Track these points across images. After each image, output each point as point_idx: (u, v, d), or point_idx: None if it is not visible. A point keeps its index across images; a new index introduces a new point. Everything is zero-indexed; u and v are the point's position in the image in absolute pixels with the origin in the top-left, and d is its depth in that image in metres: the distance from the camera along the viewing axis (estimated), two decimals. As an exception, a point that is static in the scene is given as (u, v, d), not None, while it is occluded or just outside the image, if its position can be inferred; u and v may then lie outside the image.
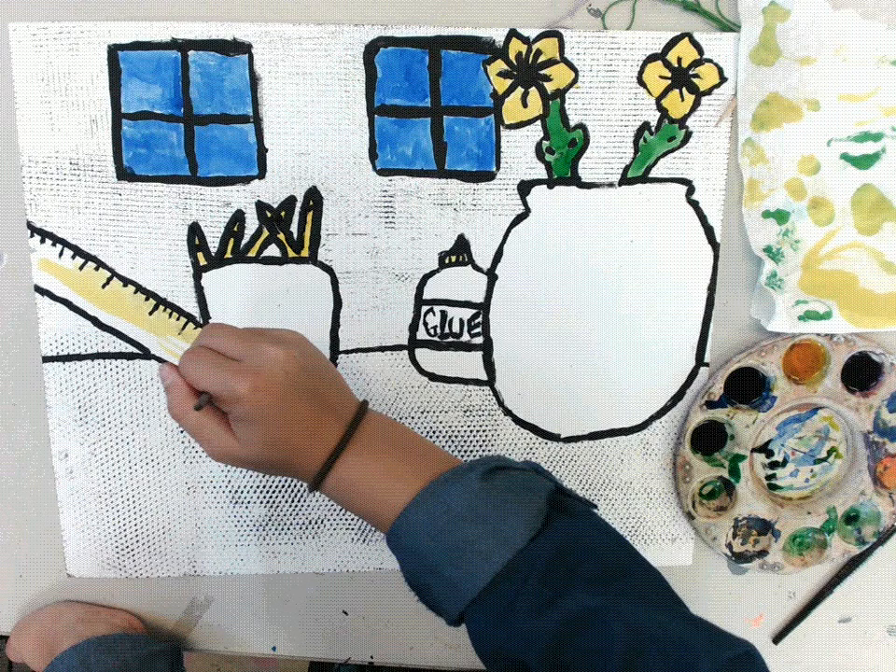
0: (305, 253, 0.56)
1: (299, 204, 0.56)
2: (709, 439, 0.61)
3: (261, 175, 0.55)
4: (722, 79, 0.56)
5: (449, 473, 0.39)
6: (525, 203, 0.57)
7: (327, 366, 0.43)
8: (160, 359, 0.57)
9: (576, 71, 0.55)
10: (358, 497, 0.40)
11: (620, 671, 0.33)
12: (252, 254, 0.56)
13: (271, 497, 0.60)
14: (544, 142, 0.56)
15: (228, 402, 0.39)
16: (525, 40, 0.54)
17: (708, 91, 0.56)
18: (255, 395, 0.38)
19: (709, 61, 0.55)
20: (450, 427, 0.60)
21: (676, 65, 0.55)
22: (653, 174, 0.57)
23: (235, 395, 0.39)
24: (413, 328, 0.58)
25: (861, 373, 0.61)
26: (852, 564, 0.65)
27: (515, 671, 0.38)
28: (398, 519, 0.38)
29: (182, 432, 0.58)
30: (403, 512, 0.38)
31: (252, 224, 0.56)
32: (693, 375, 0.60)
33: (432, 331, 0.58)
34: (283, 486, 0.60)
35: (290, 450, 0.40)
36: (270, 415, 0.39)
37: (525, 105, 0.55)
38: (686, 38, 0.55)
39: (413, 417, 0.60)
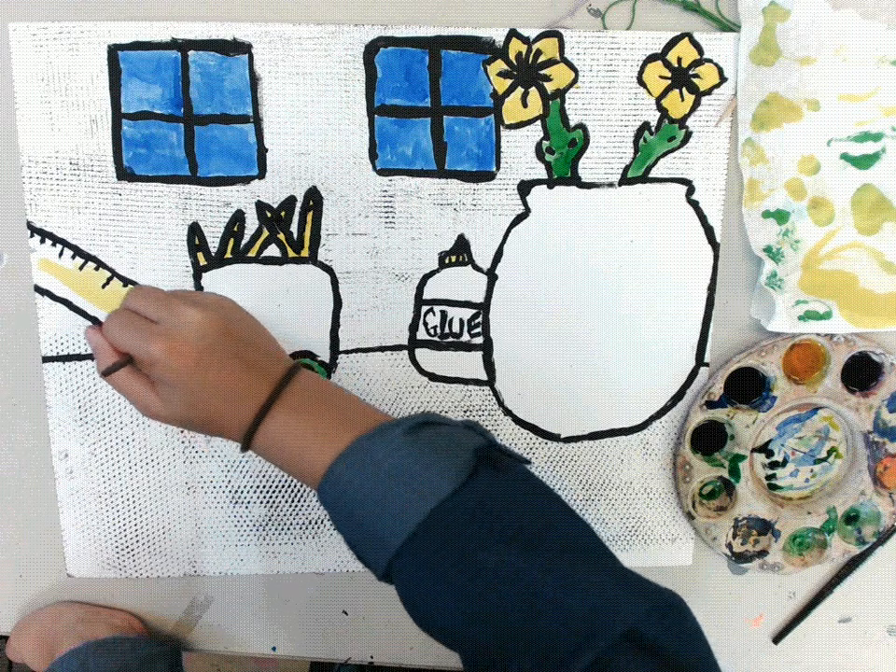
0: (305, 253, 0.56)
1: (299, 204, 0.56)
2: (709, 439, 0.61)
3: (261, 175, 0.55)
4: (722, 79, 0.56)
5: (376, 429, 0.39)
6: (525, 203, 0.57)
7: (253, 328, 0.44)
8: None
9: (576, 71, 0.55)
10: (287, 456, 0.40)
11: (532, 625, 0.33)
12: (252, 254, 0.56)
13: (271, 496, 0.60)
14: (544, 142, 0.56)
15: (145, 364, 0.40)
16: (525, 40, 0.54)
17: (708, 91, 0.56)
18: (169, 357, 0.39)
19: (709, 61, 0.55)
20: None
21: (676, 65, 0.55)
22: (653, 174, 0.57)
23: (150, 357, 0.39)
24: (413, 328, 0.58)
25: (861, 373, 0.61)
26: (852, 564, 0.65)
27: (441, 631, 0.37)
28: (324, 475, 0.38)
29: (182, 431, 0.58)
30: (329, 469, 0.38)
31: (252, 224, 0.56)
32: (693, 375, 0.60)
33: (432, 331, 0.58)
34: (283, 486, 0.60)
35: (212, 411, 0.40)
36: (186, 378, 0.39)
37: (525, 105, 0.55)
38: (686, 38, 0.55)
39: (413, 417, 0.60)
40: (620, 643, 0.31)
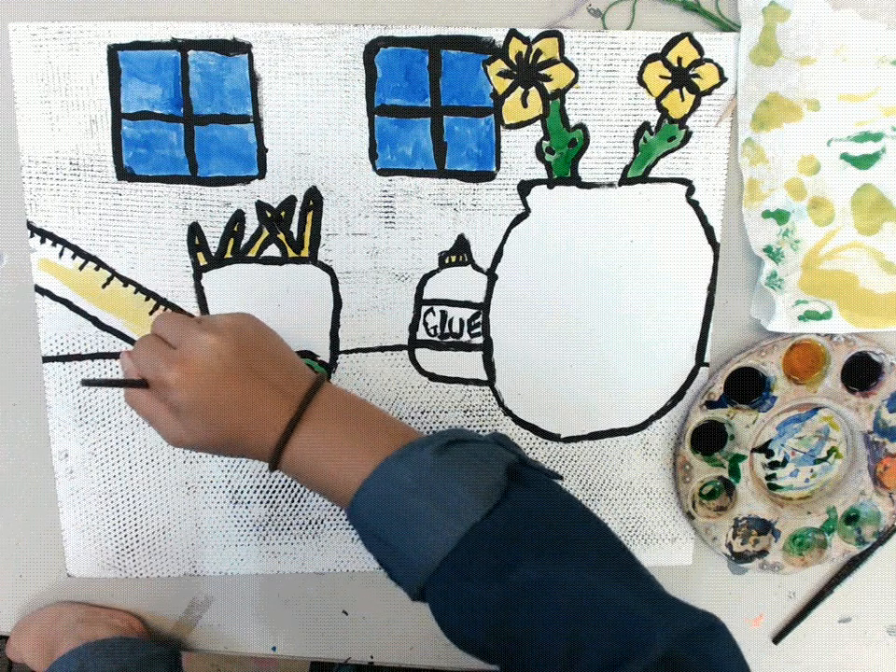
0: (305, 253, 0.56)
1: (299, 204, 0.56)
2: (709, 439, 0.61)
3: (261, 175, 0.55)
4: (722, 79, 0.56)
5: (404, 448, 0.38)
6: (525, 203, 0.57)
7: (272, 345, 0.43)
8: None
9: (576, 71, 0.55)
10: (316, 475, 0.40)
11: (565, 644, 0.33)
12: (252, 254, 0.56)
13: (271, 497, 0.60)
14: (544, 142, 0.56)
15: (160, 391, 0.40)
16: (525, 40, 0.54)
17: (708, 91, 0.56)
18: (183, 383, 0.39)
19: (709, 61, 0.55)
20: (450, 427, 0.60)
21: (676, 65, 0.55)
22: (653, 174, 0.57)
23: (165, 383, 0.39)
24: (413, 328, 0.58)
25: (861, 373, 0.61)
26: (852, 564, 0.65)
27: (477, 648, 0.37)
28: (354, 496, 0.38)
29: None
30: (359, 489, 0.38)
31: (252, 224, 0.56)
32: (693, 375, 0.60)
33: (432, 331, 0.58)
34: (283, 486, 0.60)
35: (235, 432, 0.40)
36: (202, 400, 0.39)
37: (525, 105, 0.55)
38: (686, 38, 0.55)
39: (413, 417, 0.60)
40: (656, 666, 0.31)
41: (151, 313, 0.56)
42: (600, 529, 0.39)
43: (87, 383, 0.41)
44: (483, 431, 0.60)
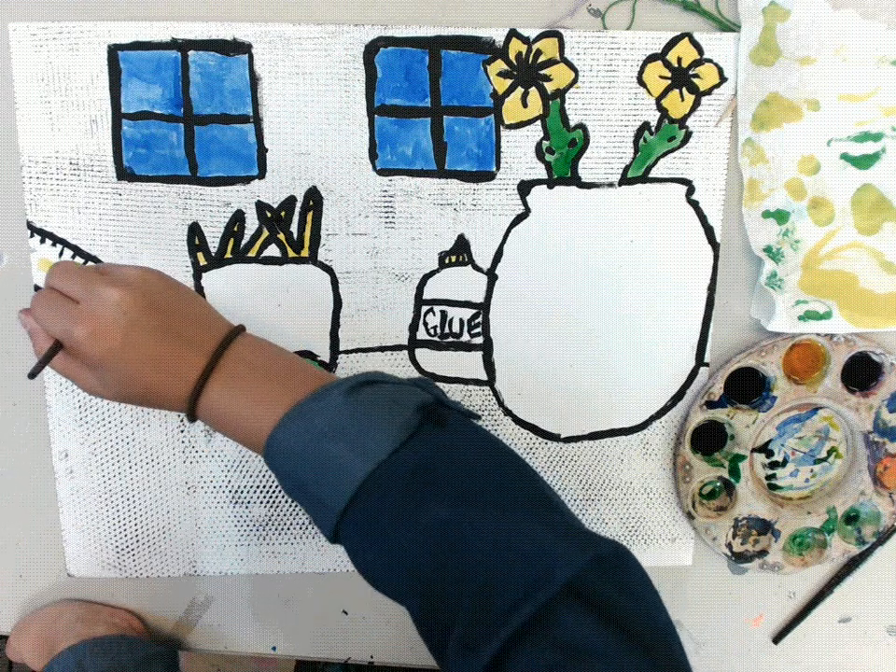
0: (305, 253, 0.56)
1: (299, 204, 0.56)
2: (709, 439, 0.61)
3: (261, 175, 0.55)
4: (722, 79, 0.56)
5: (317, 391, 0.38)
6: (525, 203, 0.57)
7: (183, 299, 0.42)
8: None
9: (576, 71, 0.55)
10: (231, 426, 0.40)
11: (473, 583, 0.32)
12: (252, 254, 0.56)
13: (271, 496, 0.60)
14: (544, 142, 0.56)
15: (71, 348, 0.39)
16: (525, 40, 0.54)
17: (708, 91, 0.56)
18: (93, 339, 0.38)
19: (709, 61, 0.55)
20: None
21: (676, 65, 0.55)
22: (653, 174, 0.57)
23: (75, 340, 0.38)
24: (413, 328, 0.58)
25: (861, 373, 0.61)
26: (852, 564, 0.65)
27: (392, 589, 0.37)
28: (267, 440, 0.38)
29: (182, 431, 0.58)
30: (270, 436, 0.38)
31: (252, 224, 0.56)
32: (693, 375, 0.60)
33: (432, 331, 0.58)
34: (283, 486, 0.60)
35: (148, 386, 0.39)
36: (113, 357, 0.38)
37: (525, 105, 0.55)
38: (686, 38, 0.55)
39: (412, 417, 0.60)
40: (561, 595, 0.31)
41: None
42: (514, 467, 0.38)
43: (32, 374, 0.40)
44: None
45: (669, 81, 0.55)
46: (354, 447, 0.36)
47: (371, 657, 0.64)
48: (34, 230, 0.55)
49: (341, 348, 0.58)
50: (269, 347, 0.42)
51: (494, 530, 0.33)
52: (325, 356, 0.58)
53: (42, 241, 0.55)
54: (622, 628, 0.30)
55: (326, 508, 0.37)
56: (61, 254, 0.55)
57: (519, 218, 0.57)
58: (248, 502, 0.60)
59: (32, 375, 0.40)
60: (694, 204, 0.58)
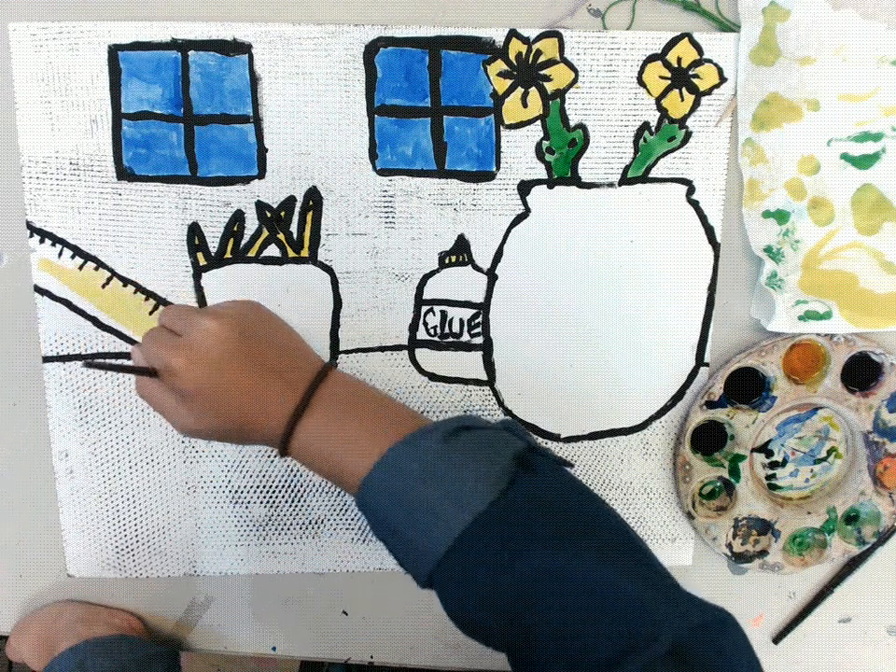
0: (305, 253, 0.56)
1: (299, 204, 0.56)
2: (709, 439, 0.61)
3: (261, 175, 0.55)
4: (722, 79, 0.56)
5: (412, 435, 0.38)
6: (525, 203, 0.57)
7: (276, 332, 0.43)
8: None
9: (576, 71, 0.55)
10: (324, 463, 0.40)
11: (571, 635, 0.32)
12: (252, 254, 0.56)
13: (271, 496, 0.60)
14: (544, 142, 0.56)
15: (167, 379, 0.40)
16: (525, 40, 0.54)
17: (708, 91, 0.56)
18: (189, 369, 0.39)
19: (709, 61, 0.55)
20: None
21: (676, 65, 0.55)
22: (653, 174, 0.57)
23: (170, 370, 0.39)
24: (413, 328, 0.58)
25: (861, 373, 0.61)
26: (852, 564, 0.65)
27: (484, 635, 0.37)
28: (362, 484, 0.38)
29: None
30: (367, 476, 0.38)
31: (252, 224, 0.56)
32: (693, 375, 0.60)
33: (432, 331, 0.58)
34: (283, 486, 0.60)
35: (241, 420, 0.40)
36: (209, 387, 0.39)
37: (525, 104, 0.55)
38: (686, 38, 0.55)
39: (412, 417, 0.60)
40: (662, 658, 0.31)
41: (151, 313, 0.56)
42: (611, 518, 0.38)
43: (90, 365, 0.41)
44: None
45: (669, 81, 0.55)
46: (452, 496, 0.36)
47: (371, 657, 0.64)
48: (34, 230, 0.55)
49: (341, 348, 0.58)
50: (361, 385, 0.42)
51: (596, 580, 0.33)
52: (325, 356, 0.58)
53: (42, 241, 0.55)
54: None
55: (421, 554, 0.37)
56: (60, 254, 0.55)
57: (519, 218, 0.57)
58: (248, 502, 0.60)
59: (92, 365, 0.40)
60: (694, 204, 0.58)
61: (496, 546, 0.35)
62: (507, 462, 0.37)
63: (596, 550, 0.35)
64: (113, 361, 0.41)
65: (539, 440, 0.61)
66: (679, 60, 0.55)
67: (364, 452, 0.38)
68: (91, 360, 0.41)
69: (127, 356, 0.57)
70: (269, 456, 0.59)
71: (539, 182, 0.56)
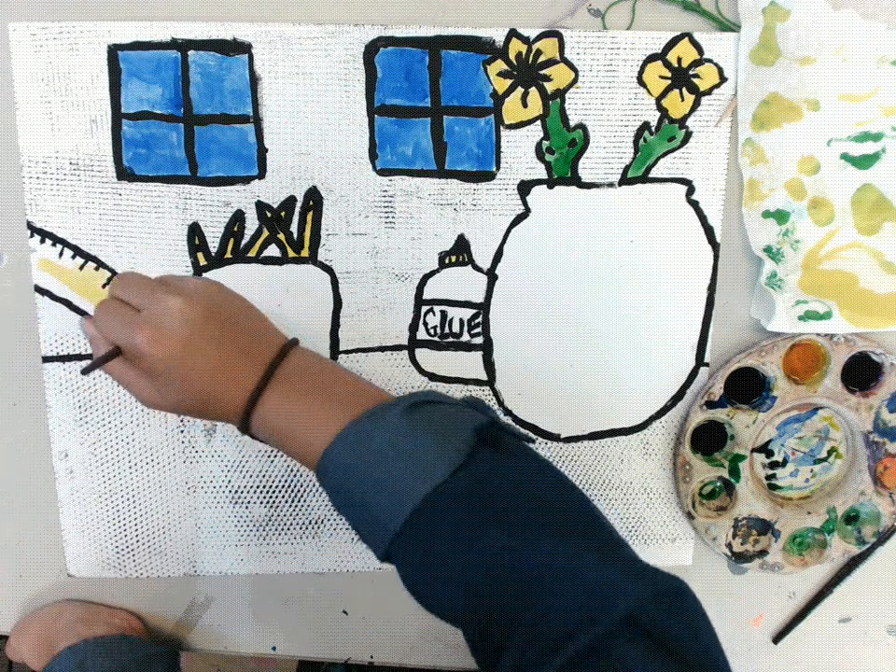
0: (305, 253, 0.56)
1: (299, 204, 0.56)
2: (709, 439, 0.61)
3: (261, 175, 0.55)
4: (722, 79, 0.56)
5: (374, 409, 0.38)
6: (525, 203, 0.57)
7: (241, 310, 0.42)
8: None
9: (576, 71, 0.55)
10: (285, 439, 0.40)
11: (530, 610, 0.33)
12: (252, 254, 0.56)
13: (271, 496, 0.60)
14: (544, 142, 0.56)
15: (131, 356, 0.40)
16: (525, 40, 0.54)
17: (708, 91, 0.56)
18: (154, 347, 0.38)
19: (709, 61, 0.55)
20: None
21: (676, 65, 0.55)
22: (653, 174, 0.57)
23: (135, 348, 0.39)
24: (413, 328, 0.58)
25: (861, 373, 0.61)
26: (852, 564, 0.65)
27: (439, 609, 0.37)
28: (321, 457, 0.38)
29: (182, 431, 0.58)
30: (325, 451, 0.38)
31: (252, 224, 0.56)
32: (693, 375, 0.60)
33: (432, 331, 0.58)
34: (283, 486, 0.60)
35: (206, 396, 0.40)
36: (173, 365, 0.39)
37: (525, 105, 0.55)
38: (686, 38, 0.55)
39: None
40: (619, 628, 0.31)
41: (151, 313, 0.56)
42: (572, 494, 0.38)
43: (85, 371, 0.41)
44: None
45: (669, 81, 0.55)
46: (411, 467, 0.36)
47: (371, 657, 0.64)
48: (34, 230, 0.55)
49: (341, 348, 0.58)
50: (324, 361, 0.42)
51: (554, 557, 0.33)
52: (325, 356, 0.58)
53: (42, 241, 0.55)
54: (680, 662, 0.30)
55: (380, 526, 0.37)
56: (60, 254, 0.55)
57: (519, 218, 0.57)
58: (248, 502, 0.60)
59: (85, 371, 0.40)
60: (694, 204, 0.58)
61: (455, 519, 0.35)
62: (467, 435, 0.37)
63: (554, 526, 0.35)
64: (95, 359, 0.41)
65: (539, 440, 0.61)
66: (679, 60, 0.55)
67: (325, 425, 0.38)
68: (86, 367, 0.41)
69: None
70: (269, 456, 0.59)
71: (538, 182, 0.56)
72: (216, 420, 0.42)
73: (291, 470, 0.60)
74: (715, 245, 0.58)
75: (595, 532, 0.36)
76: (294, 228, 0.56)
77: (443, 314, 0.58)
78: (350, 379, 0.42)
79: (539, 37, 0.54)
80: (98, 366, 0.40)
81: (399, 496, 0.36)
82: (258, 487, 0.60)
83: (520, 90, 0.55)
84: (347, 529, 0.61)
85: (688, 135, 0.56)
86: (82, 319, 0.42)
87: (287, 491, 0.60)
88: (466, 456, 0.37)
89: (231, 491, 0.60)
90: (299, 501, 0.60)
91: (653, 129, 0.56)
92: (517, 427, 0.44)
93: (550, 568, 0.33)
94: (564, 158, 0.56)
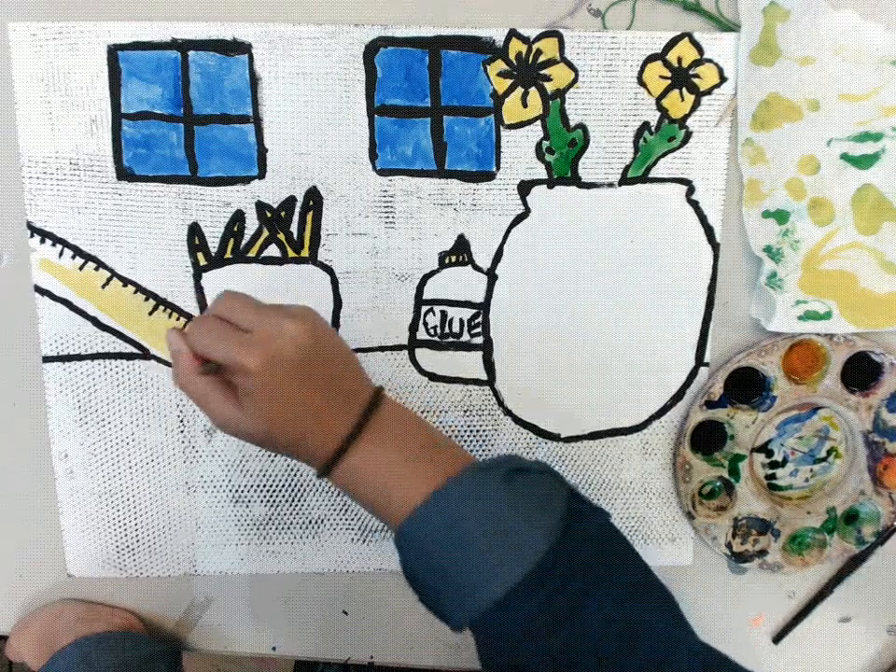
0: (305, 253, 0.56)
1: (299, 204, 0.56)
2: (709, 439, 0.61)
3: (261, 175, 0.55)
4: (722, 79, 0.56)
5: (468, 474, 0.37)
6: (525, 203, 0.57)
7: (341, 345, 0.41)
8: (159, 360, 0.57)
9: (576, 71, 0.55)
10: (369, 490, 0.38)
11: (623, 665, 0.35)
12: (252, 254, 0.56)
13: (271, 496, 0.60)
14: (544, 142, 0.56)
15: (236, 374, 0.38)
16: (525, 40, 0.54)
17: (708, 91, 0.56)
18: (265, 370, 0.36)
19: (709, 61, 0.55)
20: (450, 426, 0.60)
21: (676, 65, 0.55)
22: (653, 174, 0.57)
23: (244, 368, 0.37)
24: (413, 328, 0.58)
25: (861, 373, 0.61)
26: (852, 563, 0.65)
27: None
28: (410, 517, 0.37)
29: (182, 431, 0.58)
30: (417, 511, 0.36)
31: (252, 224, 0.56)
32: (692, 375, 0.60)
33: (432, 331, 0.58)
34: (283, 486, 0.60)
35: (297, 432, 0.38)
36: (278, 393, 0.37)
37: (525, 105, 0.55)
38: (686, 38, 0.55)
39: (413, 417, 0.60)
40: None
41: (151, 313, 0.56)
42: (642, 561, 0.40)
43: (204, 372, 0.38)
44: (483, 431, 0.60)
45: (669, 81, 0.55)
46: (511, 542, 0.36)
47: (371, 657, 0.64)
48: (33, 230, 0.55)
49: (341, 348, 0.58)
50: (410, 412, 0.41)
51: (633, 625, 0.35)
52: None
53: (42, 241, 0.55)
54: None
55: (469, 598, 0.36)
56: (60, 254, 0.55)
57: (519, 218, 0.57)
58: (248, 502, 0.60)
59: (204, 373, 0.39)
60: (694, 204, 0.58)
61: (553, 595, 0.35)
62: (562, 509, 0.37)
63: (640, 591, 0.37)
64: (209, 364, 0.39)
65: (539, 440, 0.61)
66: (679, 60, 0.55)
67: (415, 484, 0.37)
68: (205, 367, 0.39)
69: (128, 356, 0.57)
70: (269, 456, 0.59)
71: (538, 182, 0.56)
72: (293, 458, 0.40)
73: (291, 470, 0.60)
74: (715, 245, 0.58)
75: (662, 595, 0.39)
76: (294, 228, 0.56)
77: (443, 314, 0.58)
78: (437, 435, 0.41)
79: (539, 37, 0.54)
80: (211, 371, 0.38)
81: (496, 569, 0.35)
82: (258, 487, 0.60)
83: (520, 90, 0.55)
84: (347, 529, 0.61)
85: (688, 135, 0.56)
86: (171, 330, 0.40)
87: (287, 491, 0.60)
88: (561, 532, 0.37)
89: (230, 491, 0.60)
90: (299, 501, 0.60)
91: (653, 129, 0.56)
92: (589, 498, 0.45)
93: (632, 632, 0.35)
94: (564, 158, 0.56)
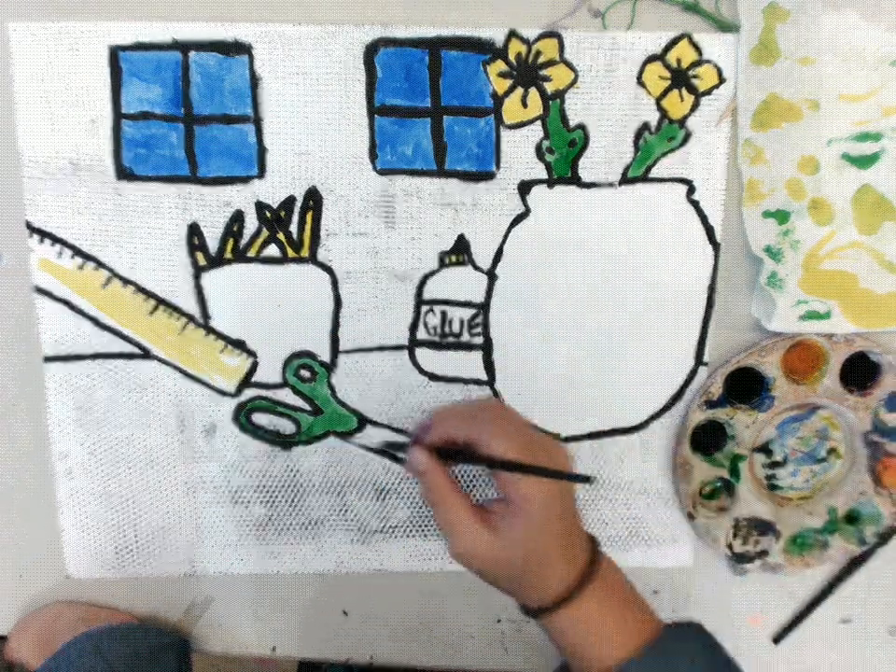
0: (305, 253, 0.56)
1: (298, 204, 0.56)
2: (709, 439, 0.61)
3: (261, 175, 0.55)
4: (722, 80, 0.56)
5: (671, 638, 0.39)
6: (525, 203, 0.57)
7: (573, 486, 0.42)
8: (160, 359, 0.57)
9: (576, 71, 0.55)
10: (577, 639, 0.40)
11: None
12: (252, 254, 0.56)
13: (271, 496, 0.60)
14: (544, 142, 0.56)
15: (512, 492, 0.38)
16: (525, 40, 0.54)
17: (708, 92, 0.56)
18: (551, 500, 0.38)
19: (709, 61, 0.55)
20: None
21: (676, 66, 0.55)
22: (653, 174, 0.57)
23: (527, 495, 0.38)
24: (413, 328, 0.58)
25: (860, 373, 0.61)
26: (853, 564, 0.65)
27: None
28: (622, 669, 0.39)
29: (182, 431, 0.58)
30: (629, 663, 0.38)
31: (252, 224, 0.56)
32: (692, 375, 0.60)
33: (432, 331, 0.58)
34: (283, 487, 0.60)
35: (539, 567, 0.39)
36: (547, 527, 0.38)
37: (524, 105, 0.55)
38: (686, 39, 0.55)
39: (412, 417, 0.60)
40: None
41: (151, 313, 0.56)
42: None
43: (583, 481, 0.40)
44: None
45: (669, 81, 0.55)
46: None
47: (371, 657, 0.64)
48: (33, 230, 0.55)
49: (341, 348, 0.58)
50: (619, 569, 0.43)
51: None
52: (325, 356, 0.58)
53: (42, 241, 0.55)
54: None
55: None
56: (60, 254, 0.55)
57: (519, 218, 0.57)
58: (248, 502, 0.60)
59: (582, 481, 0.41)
60: (695, 204, 0.58)
61: None
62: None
63: None
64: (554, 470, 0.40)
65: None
66: (678, 60, 0.55)
67: (620, 642, 0.39)
68: (584, 477, 0.40)
69: (128, 356, 0.57)
70: (269, 456, 0.59)
71: (538, 182, 0.56)
72: (514, 594, 0.41)
73: (291, 470, 0.60)
74: (715, 245, 0.58)
75: None
76: (294, 228, 0.56)
77: (443, 314, 0.58)
78: (636, 594, 0.42)
79: (538, 38, 0.54)
80: (560, 477, 0.39)
81: None
82: (257, 487, 0.60)
83: (520, 90, 0.55)
84: (347, 530, 0.61)
85: (688, 135, 0.56)
86: (412, 449, 0.40)
87: (286, 491, 0.60)
88: None
89: (230, 491, 0.60)
90: (298, 501, 0.60)
91: (653, 129, 0.56)
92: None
93: None
94: (564, 158, 0.56)
